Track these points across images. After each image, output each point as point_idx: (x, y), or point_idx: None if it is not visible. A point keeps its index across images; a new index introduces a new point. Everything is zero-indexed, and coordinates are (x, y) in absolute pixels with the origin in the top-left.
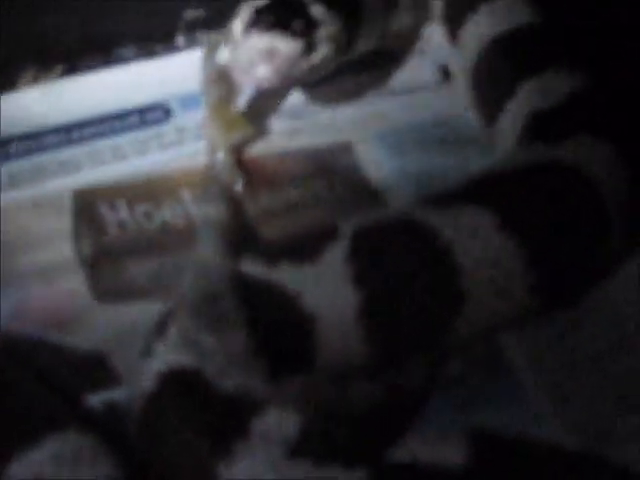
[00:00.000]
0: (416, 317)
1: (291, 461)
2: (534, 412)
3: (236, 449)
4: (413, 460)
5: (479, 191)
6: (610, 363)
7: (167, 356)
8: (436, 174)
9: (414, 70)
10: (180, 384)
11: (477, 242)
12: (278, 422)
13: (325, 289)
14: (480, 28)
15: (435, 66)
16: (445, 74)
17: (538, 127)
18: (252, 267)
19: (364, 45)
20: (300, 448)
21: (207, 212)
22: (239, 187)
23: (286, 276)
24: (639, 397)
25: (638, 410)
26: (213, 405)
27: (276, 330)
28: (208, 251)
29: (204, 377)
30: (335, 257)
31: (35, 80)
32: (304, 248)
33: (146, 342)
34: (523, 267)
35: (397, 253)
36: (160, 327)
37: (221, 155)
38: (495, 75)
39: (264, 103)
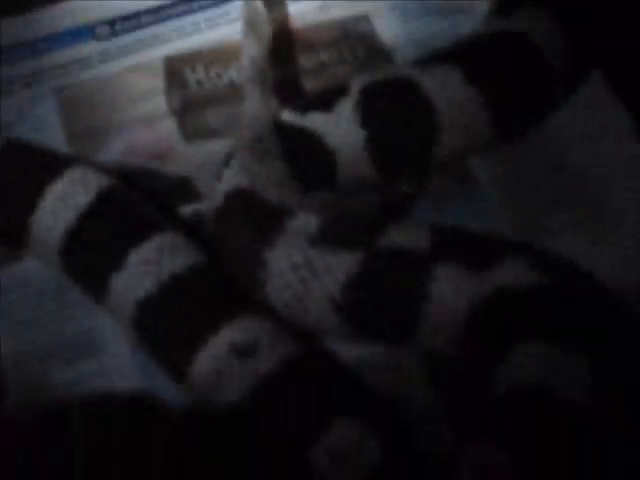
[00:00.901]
0: (405, 143)
1: (313, 248)
2: (491, 217)
3: (276, 240)
4: (391, 244)
5: (452, 54)
6: (551, 177)
7: (231, 179)
8: (434, 38)
9: None
10: (239, 198)
11: (448, 91)
12: (305, 222)
13: (341, 130)
14: None
15: None
16: None
17: (502, 2)
18: (290, 115)
19: None
20: (319, 239)
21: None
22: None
23: (314, 121)
24: (567, 200)
25: (565, 210)
26: (261, 212)
27: (307, 160)
28: (256, 102)
29: (256, 193)
30: (347, 106)
31: None
32: (326, 100)
33: (218, 169)
34: (483, 108)
35: (391, 100)
36: (227, 159)
37: None
38: None
39: None
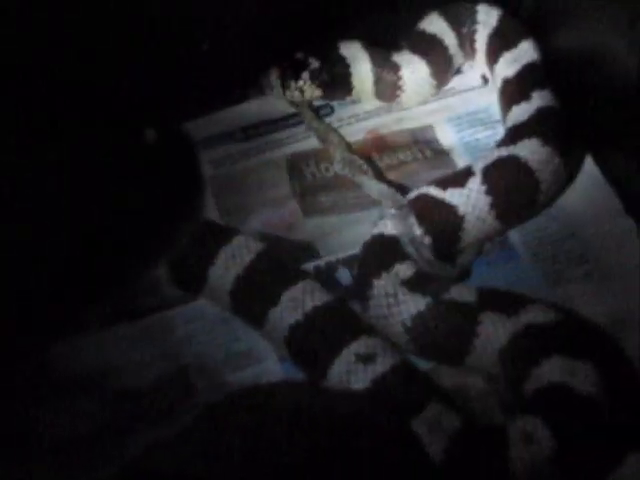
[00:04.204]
0: (517, 200)
1: (402, 286)
2: (523, 271)
3: (383, 274)
4: (450, 298)
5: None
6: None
7: (381, 227)
8: (479, 143)
9: (467, 78)
10: (380, 240)
11: (537, 154)
12: (405, 269)
13: (471, 199)
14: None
15: (479, 75)
16: (485, 80)
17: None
18: (433, 190)
19: None
20: (408, 282)
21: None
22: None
23: (451, 195)
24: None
25: (574, 266)
26: (387, 253)
27: (439, 223)
28: (374, 184)
29: (392, 239)
30: (476, 182)
31: None
32: (460, 180)
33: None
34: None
35: (504, 172)
36: (379, 218)
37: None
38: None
39: None
